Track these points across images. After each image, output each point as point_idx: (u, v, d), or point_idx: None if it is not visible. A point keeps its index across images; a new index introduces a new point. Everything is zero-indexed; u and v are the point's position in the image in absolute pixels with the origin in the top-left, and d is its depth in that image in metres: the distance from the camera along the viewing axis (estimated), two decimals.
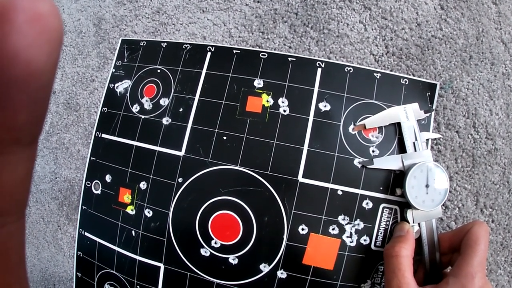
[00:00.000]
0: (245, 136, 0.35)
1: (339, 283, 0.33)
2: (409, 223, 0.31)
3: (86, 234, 0.40)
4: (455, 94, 0.35)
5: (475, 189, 0.34)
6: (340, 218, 0.33)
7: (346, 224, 0.33)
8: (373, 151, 0.33)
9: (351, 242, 0.33)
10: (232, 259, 0.35)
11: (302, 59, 0.35)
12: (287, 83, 0.35)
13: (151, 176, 0.37)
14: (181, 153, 0.36)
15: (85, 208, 0.40)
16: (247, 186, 0.34)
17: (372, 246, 0.33)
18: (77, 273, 0.41)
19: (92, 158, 0.41)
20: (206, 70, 0.37)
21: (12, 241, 0.11)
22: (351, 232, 0.33)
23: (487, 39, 0.35)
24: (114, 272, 0.38)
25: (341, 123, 0.34)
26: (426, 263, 0.31)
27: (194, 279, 0.36)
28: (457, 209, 0.34)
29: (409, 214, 0.31)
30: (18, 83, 0.09)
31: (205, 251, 0.35)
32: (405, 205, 0.32)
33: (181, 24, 0.41)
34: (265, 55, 0.36)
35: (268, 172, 0.34)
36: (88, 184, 0.40)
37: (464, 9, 0.36)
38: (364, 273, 0.34)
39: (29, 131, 0.10)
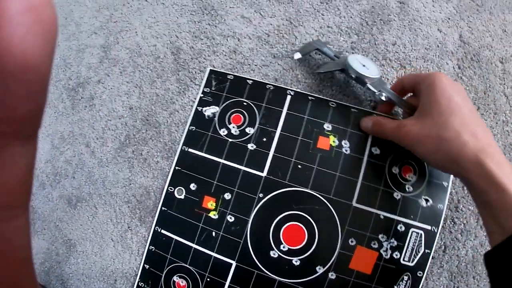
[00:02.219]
0: (315, 166, 0.45)
1: (373, 285, 0.44)
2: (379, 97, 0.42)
3: (163, 231, 0.46)
4: None
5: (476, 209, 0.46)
6: (380, 236, 0.44)
7: (384, 241, 0.44)
8: (408, 188, 0.45)
9: (386, 255, 0.44)
10: (295, 261, 0.44)
11: (363, 111, 0.47)
12: (349, 129, 0.46)
13: (236, 189, 0.45)
14: (263, 174, 0.45)
15: (165, 209, 0.47)
16: (314, 205, 0.44)
17: (401, 260, 0.44)
18: (145, 265, 0.47)
19: (177, 167, 0.48)
20: (287, 110, 0.47)
21: (18, 236, 0.12)
22: (387, 248, 0.44)
23: (492, 93, 0.45)
24: (186, 265, 0.45)
25: (387, 164, 0.46)
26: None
27: (260, 276, 0.44)
28: (463, 225, 0.47)
29: (370, 87, 0.42)
30: (14, 75, 0.09)
31: (274, 253, 0.44)
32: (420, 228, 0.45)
33: (255, 65, 0.51)
34: (334, 104, 0.47)
35: (331, 196, 0.45)
36: (171, 189, 0.47)
37: (476, 68, 0.46)
38: (392, 280, 0.44)
39: (28, 124, 0.10)
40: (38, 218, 0.54)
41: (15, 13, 0.08)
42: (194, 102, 0.50)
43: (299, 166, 0.45)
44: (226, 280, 0.44)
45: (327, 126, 0.46)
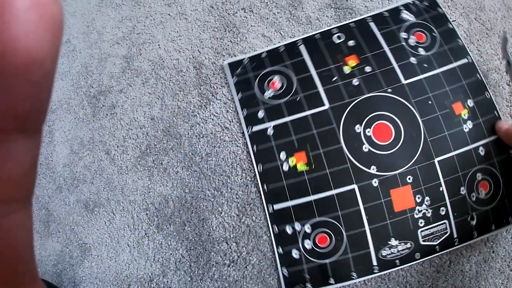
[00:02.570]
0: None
1: None
2: None
3: (276, 206, 0.47)
4: None
5: None
6: None
7: None
8: None
9: None
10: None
11: None
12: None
13: (314, 131, 0.47)
14: (327, 106, 0.48)
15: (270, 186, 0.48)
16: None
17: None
18: (273, 227, 0.47)
19: (254, 148, 0.50)
20: (308, 55, 0.51)
21: (20, 231, 0.12)
22: None
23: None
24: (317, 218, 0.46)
25: None
26: None
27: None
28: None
29: None
30: (19, 71, 0.09)
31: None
32: None
33: None
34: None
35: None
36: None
37: None
38: None
39: (33, 119, 0.10)
40: (54, 221, 0.55)
41: (21, 9, 0.08)
42: (230, 100, 0.52)
43: None
44: (358, 205, 0.46)
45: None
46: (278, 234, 0.47)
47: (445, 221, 0.46)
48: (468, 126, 0.48)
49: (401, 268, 0.46)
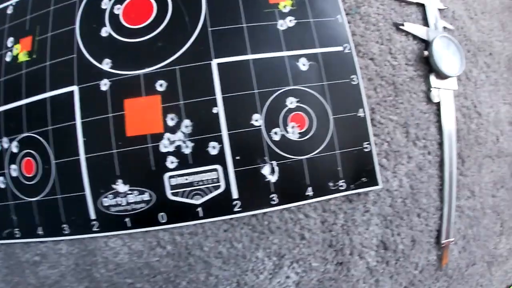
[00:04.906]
0: None
1: None
2: None
3: None
4: (364, 20, 0.31)
5: (402, 119, 0.30)
6: None
7: None
8: None
9: None
10: None
11: None
12: None
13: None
14: None
15: None
16: None
17: None
18: None
19: None
20: None
21: None
22: None
23: None
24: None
25: None
26: None
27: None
28: (386, 143, 0.29)
29: None
30: None
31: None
32: None
33: None
34: None
35: None
36: None
37: None
38: None
39: None
40: None
41: None
42: None
43: None
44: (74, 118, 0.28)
45: None
46: None
47: (217, 166, 0.27)
48: (286, 23, 0.28)
49: (133, 232, 0.28)
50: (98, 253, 0.28)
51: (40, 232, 0.29)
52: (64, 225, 0.28)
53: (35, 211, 0.29)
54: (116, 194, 0.27)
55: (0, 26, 0.33)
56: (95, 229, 0.28)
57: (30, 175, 0.29)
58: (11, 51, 0.32)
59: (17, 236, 0.30)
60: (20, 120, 0.30)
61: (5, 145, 0.31)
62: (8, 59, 0.32)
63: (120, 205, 0.27)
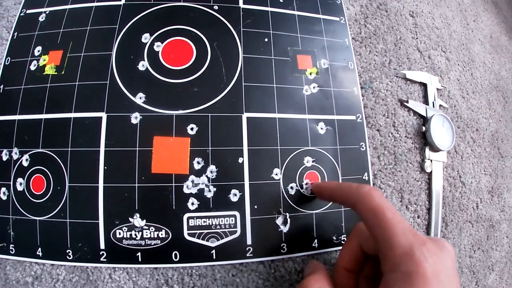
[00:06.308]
0: None
1: None
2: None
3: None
4: (375, 95, 0.35)
5: (398, 186, 0.34)
6: None
7: None
8: None
9: None
10: None
11: None
12: None
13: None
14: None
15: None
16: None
17: None
18: None
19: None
20: None
21: None
22: None
23: (404, 46, 0.39)
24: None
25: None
26: None
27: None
28: None
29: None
30: None
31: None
32: None
33: None
34: None
35: None
36: None
37: (384, 18, 0.39)
38: None
39: None
40: None
41: None
42: None
43: None
44: (99, 144, 0.28)
45: None
46: None
47: (236, 212, 0.28)
48: (311, 89, 0.31)
49: (140, 268, 0.28)
50: (100, 285, 0.28)
51: (39, 253, 0.28)
52: (69, 250, 0.28)
53: (38, 230, 0.29)
54: (132, 227, 0.27)
55: (29, 31, 0.32)
56: (102, 259, 0.28)
57: (39, 193, 0.29)
58: (37, 60, 0.31)
59: (12, 252, 0.29)
60: (36, 134, 0.29)
61: (15, 156, 0.30)
62: (33, 68, 0.31)
63: (134, 239, 0.27)
